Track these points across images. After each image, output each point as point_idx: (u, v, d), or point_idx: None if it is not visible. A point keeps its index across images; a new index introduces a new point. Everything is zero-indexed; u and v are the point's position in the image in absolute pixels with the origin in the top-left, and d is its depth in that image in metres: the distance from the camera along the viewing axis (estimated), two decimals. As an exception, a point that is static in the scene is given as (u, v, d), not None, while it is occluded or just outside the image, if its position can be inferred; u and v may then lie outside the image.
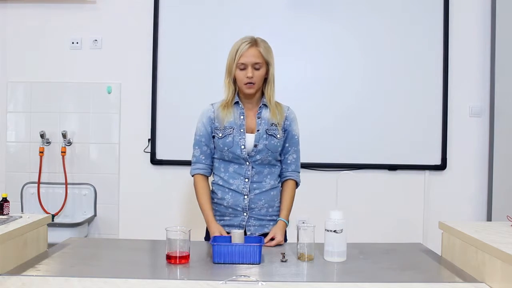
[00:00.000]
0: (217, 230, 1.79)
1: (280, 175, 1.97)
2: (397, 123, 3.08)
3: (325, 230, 1.58)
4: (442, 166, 3.10)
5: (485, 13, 3.10)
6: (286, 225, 1.90)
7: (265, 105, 1.89)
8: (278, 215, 1.93)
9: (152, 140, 3.10)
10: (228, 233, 1.78)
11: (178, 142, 3.01)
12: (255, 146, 1.85)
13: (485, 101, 3.11)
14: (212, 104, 1.93)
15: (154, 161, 3.11)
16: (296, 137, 1.95)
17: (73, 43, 3.13)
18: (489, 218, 3.06)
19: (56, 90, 3.13)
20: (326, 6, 3.07)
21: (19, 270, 1.43)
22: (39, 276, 1.38)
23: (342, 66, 3.08)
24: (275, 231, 1.82)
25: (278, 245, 1.80)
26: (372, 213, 3.09)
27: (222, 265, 1.51)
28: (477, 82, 3.12)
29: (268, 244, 1.77)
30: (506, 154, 3.03)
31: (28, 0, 3.12)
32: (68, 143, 3.11)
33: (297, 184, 1.98)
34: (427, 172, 3.11)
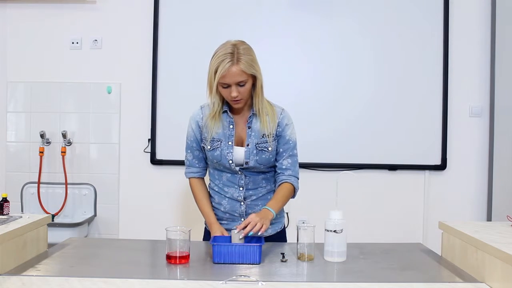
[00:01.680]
0: (219, 231, 1.77)
1: (275, 181, 1.87)
2: (397, 123, 3.08)
3: (325, 230, 1.58)
4: (442, 166, 3.10)
5: (485, 13, 3.10)
6: (272, 214, 1.70)
7: (256, 114, 1.80)
8: (275, 217, 1.81)
9: (152, 140, 3.10)
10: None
11: (178, 142, 2.97)
12: (246, 163, 1.79)
13: (485, 101, 3.11)
14: (201, 108, 1.85)
15: (154, 161, 3.11)
16: (290, 142, 1.82)
17: (73, 43, 3.13)
18: (489, 218, 3.06)
19: (56, 90, 3.13)
20: (327, 6, 3.06)
21: (19, 270, 1.43)
22: (39, 276, 1.38)
23: (342, 67, 3.08)
24: (251, 216, 1.62)
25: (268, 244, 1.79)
26: (372, 213, 3.09)
27: (222, 265, 1.51)
28: (477, 82, 3.12)
29: (242, 229, 1.58)
30: (506, 154, 3.03)
31: (28, 0, 3.12)
32: (68, 143, 3.11)
33: (295, 190, 1.83)
34: (427, 172, 3.11)
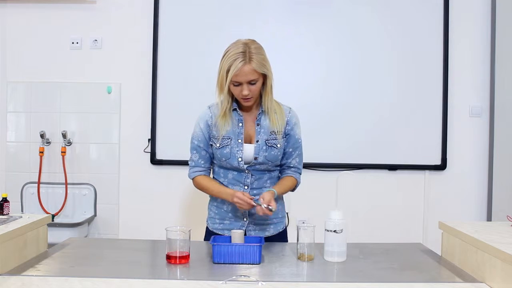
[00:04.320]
0: (239, 193, 1.72)
1: (280, 174, 1.93)
2: (397, 123, 3.08)
3: (325, 230, 1.58)
4: (442, 166, 3.10)
5: (485, 13, 3.10)
6: (275, 195, 1.75)
7: (264, 111, 1.82)
8: (276, 217, 1.90)
9: (152, 140, 3.10)
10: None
11: (178, 142, 3.01)
12: (255, 159, 1.80)
13: (485, 101, 3.12)
14: (209, 108, 1.85)
15: (154, 161, 3.11)
16: (299, 140, 1.89)
17: (73, 43, 3.13)
18: (489, 218, 3.06)
19: (56, 90, 3.13)
20: (326, 6, 3.07)
21: (19, 270, 1.43)
22: (39, 276, 1.38)
23: (342, 66, 3.08)
24: (263, 194, 1.72)
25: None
26: (372, 213, 3.10)
27: (222, 265, 1.51)
28: (477, 82, 3.12)
29: (260, 207, 1.67)
30: (506, 154, 3.03)
31: (28, 0, 3.13)
32: (68, 143, 3.11)
33: (297, 184, 1.91)
34: (427, 172, 3.11)
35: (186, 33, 3.08)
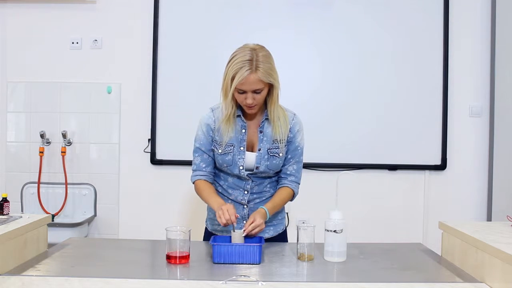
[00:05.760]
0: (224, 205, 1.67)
1: (277, 182, 1.88)
2: (397, 123, 3.08)
3: (325, 230, 1.58)
4: (442, 166, 3.10)
5: (485, 13, 3.10)
6: (266, 215, 1.71)
7: (268, 119, 1.78)
8: (276, 219, 1.89)
9: (152, 140, 3.10)
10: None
11: (178, 142, 3.02)
12: (257, 168, 1.78)
13: (485, 101, 3.12)
14: (212, 111, 1.81)
15: (154, 161, 3.11)
16: (299, 148, 1.83)
17: (73, 43, 3.13)
18: (489, 218, 3.06)
19: (56, 90, 3.13)
20: (327, 5, 3.07)
21: (19, 270, 1.43)
22: (39, 276, 1.38)
23: (342, 66, 3.08)
24: (254, 216, 1.66)
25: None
26: (372, 213, 3.09)
27: (222, 265, 1.51)
28: (477, 82, 3.12)
29: (247, 228, 1.61)
30: (506, 154, 3.03)
31: (28, 0, 3.13)
32: (68, 143, 3.11)
33: (294, 195, 1.85)
34: (427, 172, 3.11)
35: (186, 33, 3.08)
